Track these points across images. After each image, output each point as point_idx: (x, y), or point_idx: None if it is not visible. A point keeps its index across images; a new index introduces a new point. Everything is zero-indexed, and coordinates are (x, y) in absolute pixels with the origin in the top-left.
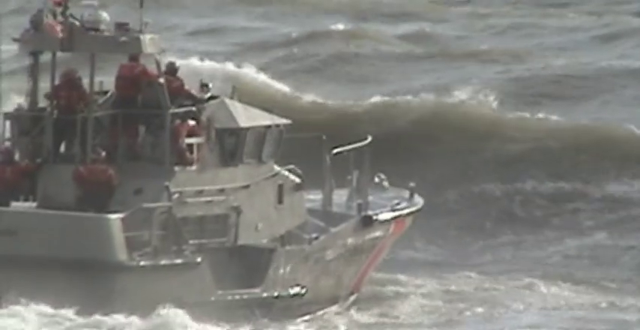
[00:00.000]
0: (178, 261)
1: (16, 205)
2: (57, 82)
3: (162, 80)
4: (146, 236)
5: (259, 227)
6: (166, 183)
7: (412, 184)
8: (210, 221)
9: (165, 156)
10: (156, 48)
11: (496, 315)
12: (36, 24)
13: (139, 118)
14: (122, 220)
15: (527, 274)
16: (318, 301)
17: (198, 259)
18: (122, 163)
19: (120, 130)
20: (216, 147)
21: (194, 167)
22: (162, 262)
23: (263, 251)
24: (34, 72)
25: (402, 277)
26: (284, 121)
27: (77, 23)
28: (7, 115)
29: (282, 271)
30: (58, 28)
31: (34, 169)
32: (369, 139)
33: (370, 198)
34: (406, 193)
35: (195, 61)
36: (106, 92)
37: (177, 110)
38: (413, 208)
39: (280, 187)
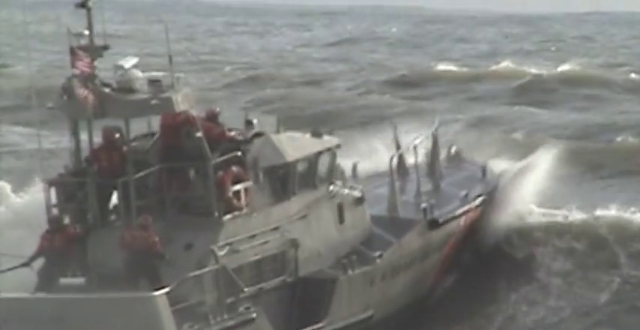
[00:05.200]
0: (231, 323)
1: (65, 282)
2: (97, 145)
3: (199, 134)
4: (197, 300)
5: (321, 253)
6: (212, 247)
7: (485, 163)
8: (267, 262)
9: (213, 208)
10: (189, 103)
11: None
12: (68, 91)
13: (184, 169)
14: (168, 293)
15: None
16: (394, 312)
17: (253, 315)
18: (172, 217)
19: (166, 183)
20: (266, 185)
21: (244, 211)
22: (215, 329)
23: (325, 282)
24: (75, 134)
25: None
26: (334, 141)
27: (107, 90)
28: (50, 182)
29: (347, 298)
30: (90, 98)
31: (82, 235)
32: (437, 123)
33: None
34: (479, 171)
35: None
36: (154, 134)
37: (219, 160)
38: (483, 196)
39: (340, 206)
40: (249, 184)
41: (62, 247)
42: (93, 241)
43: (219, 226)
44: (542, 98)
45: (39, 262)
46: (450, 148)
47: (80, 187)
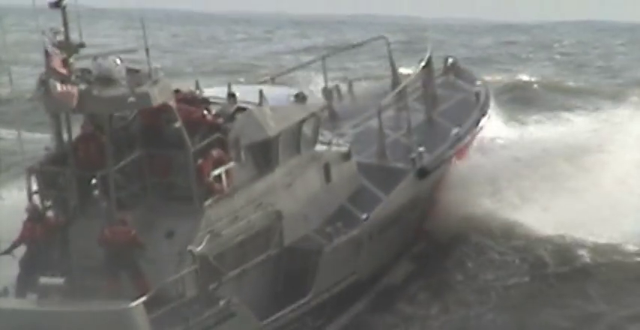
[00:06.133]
0: (212, 321)
1: (44, 281)
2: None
3: (178, 124)
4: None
5: (308, 216)
6: (190, 247)
7: (479, 87)
8: (251, 240)
9: (193, 195)
10: (167, 96)
11: None
12: (45, 86)
13: (165, 155)
14: (145, 303)
15: None
16: (382, 265)
17: (233, 309)
18: (153, 202)
19: (146, 168)
20: (248, 161)
21: (226, 192)
22: None
23: (309, 255)
24: (55, 122)
25: None
26: (318, 104)
27: (85, 82)
28: (30, 170)
29: (332, 268)
30: (66, 95)
31: (64, 224)
32: (430, 48)
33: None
34: (473, 94)
35: None
36: None
37: (199, 146)
38: (477, 128)
39: (326, 165)
40: (230, 165)
41: (43, 236)
42: (74, 231)
43: (200, 213)
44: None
45: (21, 250)
46: (446, 59)
47: (61, 174)
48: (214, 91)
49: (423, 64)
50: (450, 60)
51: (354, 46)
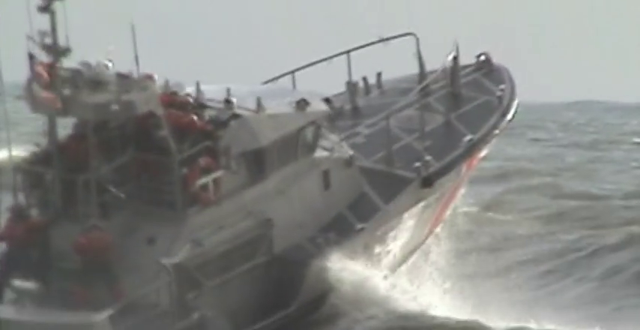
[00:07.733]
0: None
1: (19, 286)
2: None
3: (164, 132)
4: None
5: (303, 223)
6: (164, 261)
7: (503, 90)
8: (238, 249)
9: (177, 203)
10: (153, 103)
11: None
12: (29, 89)
13: (154, 159)
14: (118, 312)
15: None
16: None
17: (206, 322)
18: (138, 206)
19: (134, 172)
20: (240, 169)
21: (212, 200)
22: None
23: (296, 266)
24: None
25: None
26: (320, 112)
27: (72, 86)
28: (16, 168)
29: (319, 278)
30: (50, 100)
31: (45, 225)
32: (456, 46)
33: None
34: (496, 97)
35: None
36: None
37: (187, 154)
38: (490, 138)
39: (325, 172)
40: (218, 174)
41: (23, 236)
42: (56, 233)
43: (183, 221)
44: None
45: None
46: (478, 55)
47: (46, 174)
48: (215, 91)
49: (449, 62)
50: (482, 57)
51: (379, 41)
